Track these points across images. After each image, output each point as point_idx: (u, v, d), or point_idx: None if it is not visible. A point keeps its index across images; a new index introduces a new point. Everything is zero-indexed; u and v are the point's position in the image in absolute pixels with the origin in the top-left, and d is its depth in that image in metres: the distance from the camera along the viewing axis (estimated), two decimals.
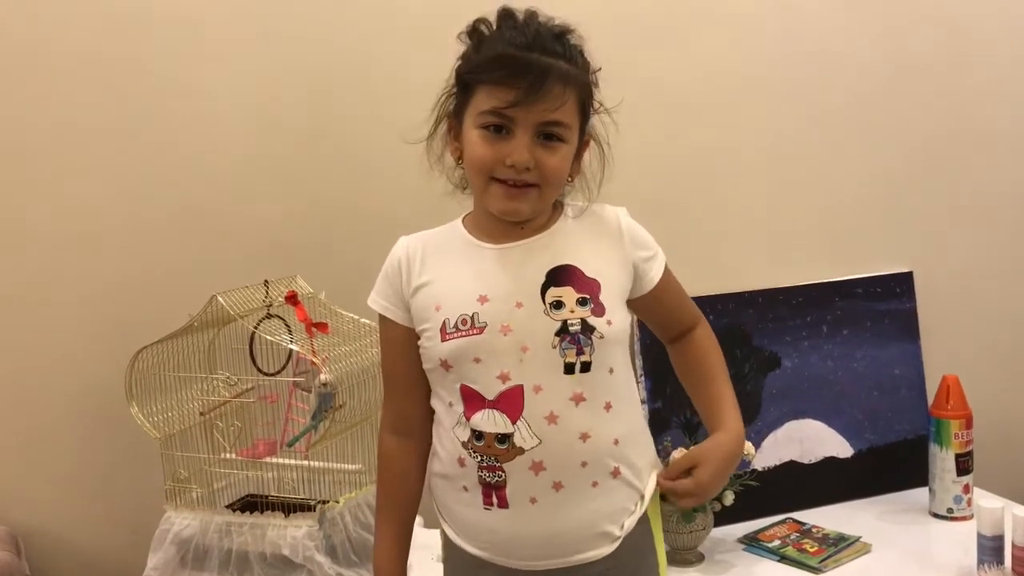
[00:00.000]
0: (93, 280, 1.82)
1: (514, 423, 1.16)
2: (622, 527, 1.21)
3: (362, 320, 1.68)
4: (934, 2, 2.11)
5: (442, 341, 1.19)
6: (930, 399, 2.01)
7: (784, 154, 2.08)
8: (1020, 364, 2.24)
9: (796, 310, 2.03)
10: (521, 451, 1.16)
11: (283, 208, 1.87)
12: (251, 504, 1.67)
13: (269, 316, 1.66)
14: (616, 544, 1.20)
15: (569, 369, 1.16)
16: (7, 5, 1.77)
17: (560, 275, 1.19)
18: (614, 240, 1.24)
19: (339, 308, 1.70)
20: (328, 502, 1.60)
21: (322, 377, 1.52)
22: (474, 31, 1.21)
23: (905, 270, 2.13)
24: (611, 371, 1.19)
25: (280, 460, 1.67)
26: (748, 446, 1.81)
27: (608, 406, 1.19)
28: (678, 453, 1.73)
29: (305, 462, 1.63)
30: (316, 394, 1.53)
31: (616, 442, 1.19)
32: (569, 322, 1.17)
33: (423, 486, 1.30)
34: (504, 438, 1.16)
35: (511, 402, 1.16)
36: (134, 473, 1.79)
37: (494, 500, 1.18)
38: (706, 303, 1.81)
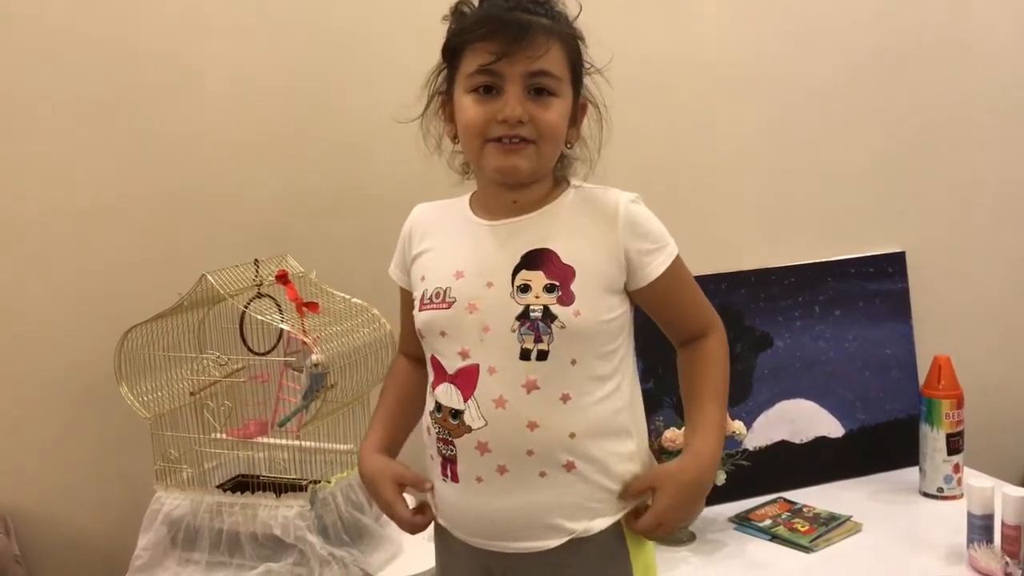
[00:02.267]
0: (82, 259, 1.80)
1: (466, 401, 1.17)
2: (581, 524, 1.17)
3: (353, 300, 1.67)
4: None
5: (419, 311, 1.23)
6: (921, 379, 2.02)
7: (777, 134, 2.08)
8: (1011, 344, 2.25)
9: (788, 290, 2.03)
10: (469, 429, 1.16)
11: (273, 187, 1.86)
12: (242, 484, 1.66)
13: (260, 295, 1.64)
14: (565, 539, 1.17)
15: (525, 355, 1.15)
16: None
17: (534, 259, 1.18)
18: (607, 226, 1.19)
19: (330, 288, 1.69)
20: (320, 482, 1.60)
21: (313, 357, 1.51)
22: (456, 10, 1.22)
23: (897, 250, 2.13)
24: (573, 362, 1.15)
25: (271, 440, 1.66)
26: (739, 425, 1.82)
27: (565, 398, 1.15)
28: (670, 433, 1.74)
29: (296, 442, 1.62)
30: (307, 374, 1.52)
31: (572, 435, 1.15)
32: (531, 308, 1.15)
33: (422, 401, 1.27)
34: (456, 414, 1.17)
35: (466, 379, 1.17)
36: (124, 453, 1.78)
37: (448, 472, 1.20)
38: (699, 283, 1.80)
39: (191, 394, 1.65)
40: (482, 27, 1.15)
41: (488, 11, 1.17)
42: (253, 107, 1.84)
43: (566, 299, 1.15)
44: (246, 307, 1.61)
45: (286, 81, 1.85)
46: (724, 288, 1.97)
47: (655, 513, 1.19)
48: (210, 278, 1.58)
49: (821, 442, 2.06)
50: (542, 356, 1.15)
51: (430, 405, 1.22)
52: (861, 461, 2.07)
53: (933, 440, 1.93)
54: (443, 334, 1.19)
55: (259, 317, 1.60)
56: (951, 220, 2.19)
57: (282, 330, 1.61)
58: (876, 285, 2.11)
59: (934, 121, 2.15)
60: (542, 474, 1.16)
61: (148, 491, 1.63)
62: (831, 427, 2.07)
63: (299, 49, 1.84)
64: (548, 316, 1.14)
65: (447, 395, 1.18)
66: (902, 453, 2.05)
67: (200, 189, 1.83)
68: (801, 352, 2.05)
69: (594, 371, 1.18)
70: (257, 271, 1.66)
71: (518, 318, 1.15)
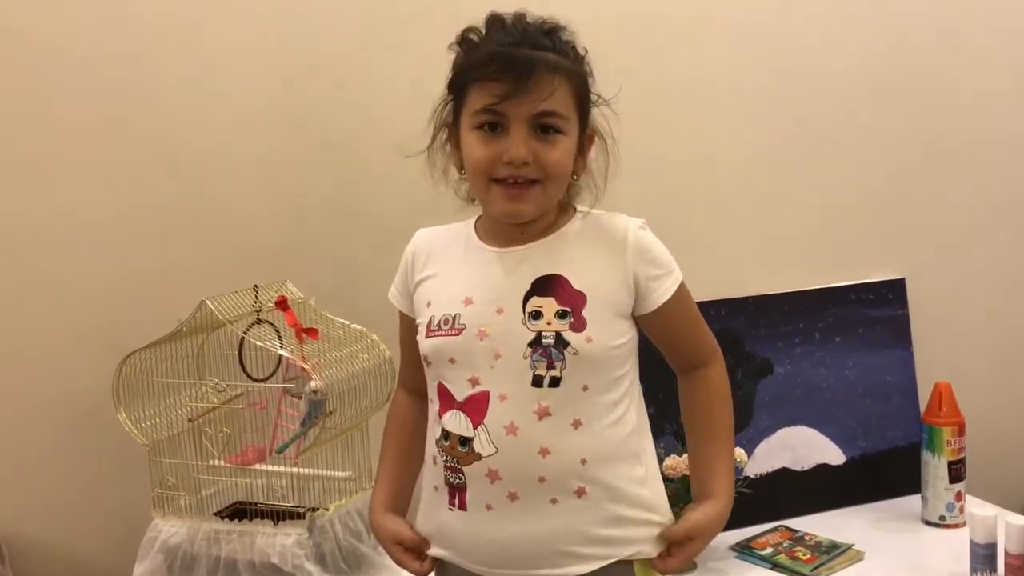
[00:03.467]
0: (82, 284, 1.80)
1: (475, 428, 1.16)
2: (592, 549, 1.17)
3: (352, 326, 1.66)
4: (929, 12, 2.12)
5: (426, 337, 1.22)
6: (922, 406, 2.01)
7: (778, 160, 2.08)
8: (1013, 371, 2.24)
9: (789, 316, 2.03)
10: (479, 457, 1.15)
11: (273, 213, 1.86)
12: (240, 511, 1.65)
13: (259, 321, 1.64)
14: (581, 567, 1.16)
15: (537, 382, 1.14)
16: None
17: (545, 285, 1.17)
18: (616, 252, 1.20)
19: (329, 314, 1.69)
20: (318, 510, 1.59)
21: (312, 383, 1.50)
22: (464, 40, 1.21)
23: (898, 277, 2.13)
24: (584, 388, 1.15)
25: (269, 467, 1.65)
26: (740, 453, 1.81)
27: (577, 423, 1.15)
28: (671, 460, 1.73)
29: (295, 469, 1.61)
30: (306, 400, 1.52)
31: (583, 462, 1.15)
32: (544, 334, 1.15)
33: (424, 440, 1.27)
34: (465, 441, 1.16)
35: (476, 407, 1.16)
36: (121, 480, 1.77)
37: (456, 501, 1.19)
38: (699, 308, 1.80)
39: (189, 420, 1.64)
40: (488, 66, 1.15)
41: (494, 46, 1.16)
42: (254, 132, 1.84)
43: (578, 325, 1.15)
44: (245, 333, 1.61)
45: (288, 106, 1.85)
46: (724, 314, 1.97)
47: (682, 561, 1.22)
48: (209, 304, 1.58)
49: (822, 470, 2.04)
50: (555, 383, 1.14)
51: (436, 434, 1.20)
52: (862, 489, 2.06)
53: (935, 468, 1.92)
54: (452, 361, 1.18)
55: (258, 343, 1.59)
56: (951, 247, 2.19)
57: (281, 356, 1.61)
58: (876, 312, 2.10)
59: (933, 149, 2.16)
60: (553, 501, 1.15)
61: (145, 518, 1.62)
62: (832, 454, 2.06)
63: (301, 73, 1.84)
64: (561, 343, 1.14)
65: (456, 422, 1.17)
66: (904, 481, 2.04)
67: (200, 215, 1.83)
68: (801, 379, 2.04)
69: (605, 396, 1.17)
70: (256, 297, 1.66)
71: (530, 344, 1.15)
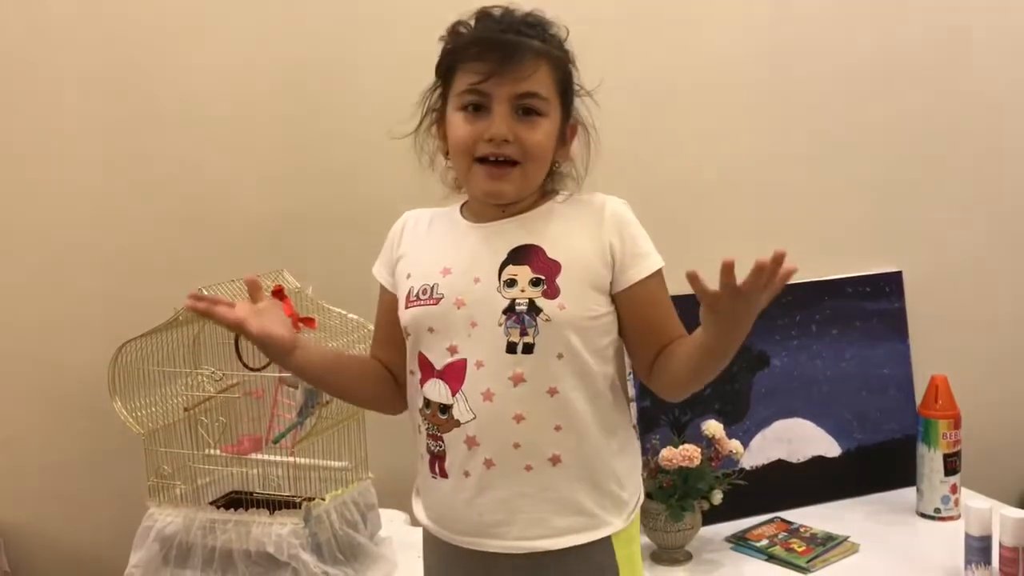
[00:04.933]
0: (77, 274, 1.80)
1: (454, 395, 1.18)
2: (567, 521, 1.18)
3: (349, 315, 1.66)
4: (927, 7, 2.11)
5: (405, 308, 1.23)
6: (918, 399, 2.01)
7: (775, 154, 2.08)
8: (1008, 364, 2.24)
9: (785, 309, 2.03)
10: (458, 423, 1.18)
11: (270, 202, 1.86)
12: (235, 501, 1.65)
13: None
14: (556, 540, 1.18)
15: (511, 348, 1.16)
16: None
17: (520, 254, 1.20)
18: (593, 224, 1.21)
19: (326, 303, 1.69)
20: (314, 499, 1.59)
21: None
22: (453, 31, 1.24)
23: (894, 270, 2.13)
24: (560, 356, 1.16)
25: (265, 456, 1.65)
26: (736, 445, 1.81)
27: (552, 391, 1.17)
28: (667, 452, 1.73)
29: (291, 459, 1.61)
30: (302, 390, 1.52)
31: (557, 428, 1.17)
32: (517, 301, 1.16)
33: (371, 389, 1.31)
34: (445, 408, 1.19)
35: (454, 374, 1.18)
36: (117, 469, 1.77)
37: (437, 469, 1.21)
38: (694, 302, 1.79)
39: (185, 410, 1.64)
40: (473, 47, 1.18)
41: (481, 32, 1.20)
42: (250, 123, 1.84)
43: (551, 292, 1.17)
44: None
45: (282, 97, 1.85)
46: None
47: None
48: (206, 293, 1.57)
49: (818, 462, 2.05)
50: (527, 349, 1.16)
51: (418, 403, 1.23)
52: (858, 481, 2.06)
53: (930, 460, 1.92)
54: (431, 330, 1.20)
55: None
56: (948, 240, 2.19)
57: None
58: (873, 305, 2.10)
59: (931, 142, 2.16)
60: (528, 467, 1.17)
61: (141, 507, 1.62)
62: (828, 447, 2.06)
63: (296, 66, 1.84)
64: (533, 309, 1.16)
65: (435, 390, 1.20)
66: (899, 473, 2.04)
67: (197, 204, 1.83)
68: (798, 371, 2.04)
69: (582, 366, 1.18)
70: None
71: (504, 312, 1.17)
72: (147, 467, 1.63)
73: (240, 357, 1.67)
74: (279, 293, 1.63)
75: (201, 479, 1.66)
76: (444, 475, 1.21)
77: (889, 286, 2.12)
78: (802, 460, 2.04)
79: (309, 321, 1.60)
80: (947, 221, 2.19)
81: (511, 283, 1.18)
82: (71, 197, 1.78)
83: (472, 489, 1.19)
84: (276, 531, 1.53)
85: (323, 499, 1.59)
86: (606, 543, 1.21)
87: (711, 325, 1.11)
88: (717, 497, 1.77)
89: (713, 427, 1.82)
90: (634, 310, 1.23)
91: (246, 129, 1.84)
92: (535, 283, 1.17)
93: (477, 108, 1.19)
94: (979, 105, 2.17)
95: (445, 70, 1.23)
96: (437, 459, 1.21)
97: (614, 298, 1.22)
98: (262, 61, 1.83)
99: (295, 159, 1.86)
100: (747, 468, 1.95)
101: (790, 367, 2.03)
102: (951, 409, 1.92)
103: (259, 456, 1.65)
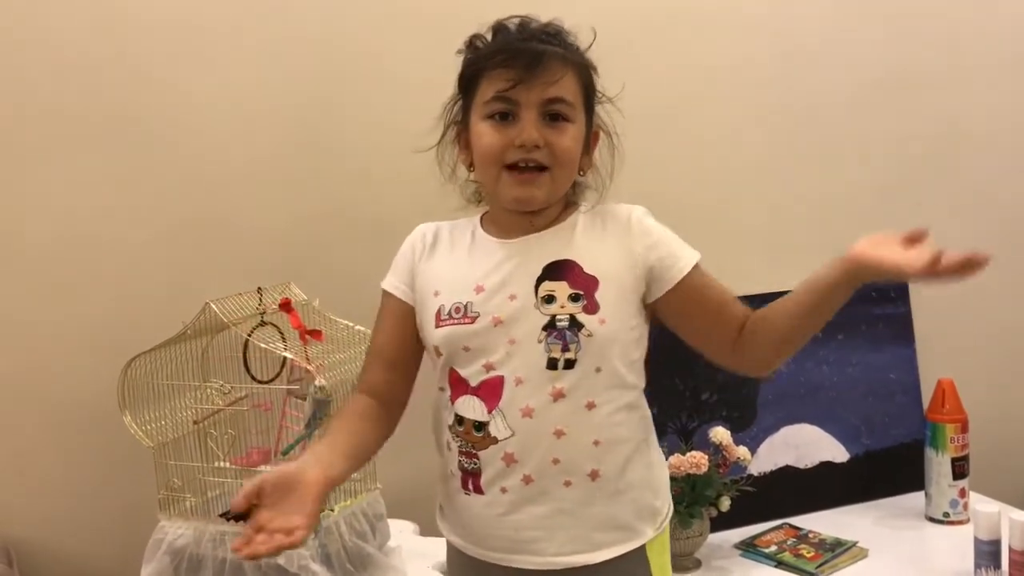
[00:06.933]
0: (85, 288, 1.80)
1: (490, 412, 1.17)
2: (605, 535, 1.18)
3: (356, 327, 1.67)
4: (929, 11, 2.12)
5: (436, 327, 1.22)
6: (925, 403, 2.01)
7: (779, 158, 2.09)
8: (1015, 367, 2.24)
9: None
10: (495, 441, 1.17)
11: (277, 215, 1.86)
12: (245, 513, 1.65)
13: (263, 323, 1.64)
14: (594, 555, 1.18)
15: (552, 364, 1.16)
16: None
17: (556, 269, 1.19)
18: (622, 238, 1.22)
19: (333, 315, 1.69)
20: (323, 510, 1.59)
21: (317, 382, 1.51)
22: (471, 43, 1.24)
23: None
24: (598, 370, 1.17)
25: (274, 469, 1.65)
26: (744, 451, 1.81)
27: (591, 405, 1.17)
28: (675, 459, 1.73)
29: None
30: (311, 401, 1.52)
31: (596, 443, 1.17)
32: (558, 317, 1.16)
33: (376, 441, 1.24)
34: (480, 426, 1.18)
35: (491, 391, 1.17)
36: (127, 482, 1.77)
37: (470, 486, 1.20)
38: None
39: (194, 423, 1.65)
40: (499, 55, 1.18)
41: (503, 42, 1.21)
42: (257, 134, 1.85)
43: (592, 308, 1.17)
44: (249, 335, 1.61)
45: (290, 108, 1.85)
46: None
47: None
48: (213, 306, 1.58)
49: (826, 467, 2.05)
50: (569, 365, 1.16)
51: (448, 420, 1.21)
52: (866, 486, 2.06)
53: (938, 465, 1.92)
54: (467, 349, 1.19)
55: (262, 345, 1.60)
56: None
57: (285, 358, 1.61)
58: (879, 309, 2.11)
59: (935, 145, 2.16)
60: (567, 483, 1.17)
61: (151, 520, 1.63)
62: (836, 452, 2.06)
63: (303, 76, 1.85)
64: (575, 325, 1.16)
65: (469, 407, 1.19)
66: (907, 478, 2.04)
67: (204, 217, 1.84)
68: (805, 377, 2.04)
69: (618, 379, 1.19)
70: (260, 299, 1.66)
71: (544, 328, 1.16)
72: (157, 480, 1.63)
73: (248, 370, 1.68)
74: (286, 305, 1.64)
75: (211, 491, 1.66)
76: (479, 491, 1.19)
77: (894, 291, 2.12)
78: (810, 466, 2.04)
79: (316, 334, 1.61)
80: (951, 225, 2.16)
81: (549, 299, 1.17)
82: (76, 210, 1.79)
83: (508, 505, 1.18)
84: None
85: (332, 510, 1.60)
86: (640, 553, 1.21)
87: (852, 279, 1.16)
88: (725, 504, 1.77)
89: (720, 434, 1.82)
90: (688, 304, 1.22)
91: (254, 141, 1.84)
92: (574, 298, 1.17)
93: (504, 116, 1.18)
94: (984, 109, 2.18)
95: (467, 81, 1.23)
96: (471, 476, 1.20)
97: (654, 305, 1.22)
98: (271, 73, 1.84)
99: (303, 172, 1.87)
100: (755, 474, 1.95)
101: (797, 373, 2.04)
102: (958, 413, 1.92)
103: (268, 468, 1.66)
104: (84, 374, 1.79)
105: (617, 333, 1.18)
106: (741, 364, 1.25)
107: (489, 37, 1.23)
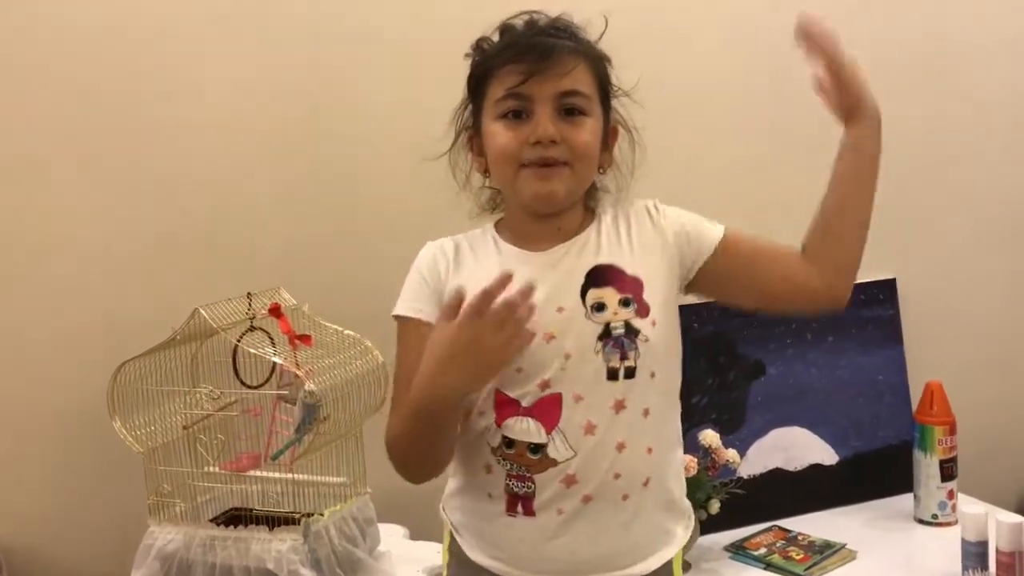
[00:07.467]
0: (75, 293, 1.80)
1: (549, 433, 1.12)
2: (651, 546, 1.16)
3: (346, 332, 1.67)
4: (924, 12, 2.13)
5: None
6: (914, 405, 2.02)
7: (769, 161, 2.09)
8: (1003, 369, 2.25)
9: (781, 317, 2.04)
10: (554, 463, 1.12)
11: (266, 221, 1.86)
12: (235, 518, 1.66)
13: (252, 329, 1.64)
14: (641, 566, 1.15)
15: (612, 375, 1.12)
16: None
17: (600, 275, 1.15)
18: (651, 232, 1.19)
19: (323, 320, 1.69)
20: (313, 515, 1.59)
21: (307, 386, 1.51)
22: (478, 45, 1.22)
23: (888, 277, 2.14)
24: (652, 375, 1.13)
25: (264, 473, 1.65)
26: (733, 454, 1.82)
27: (646, 412, 1.14)
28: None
29: (289, 475, 1.61)
30: (300, 406, 1.52)
31: (649, 450, 1.14)
32: (612, 325, 1.12)
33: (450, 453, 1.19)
34: (537, 448, 1.12)
35: (548, 410, 1.12)
36: (117, 488, 1.77)
37: (519, 509, 1.14)
38: (690, 311, 1.81)
39: (184, 428, 1.65)
40: (508, 51, 1.15)
41: (511, 39, 1.17)
42: (247, 140, 1.85)
43: (643, 311, 1.14)
44: (239, 340, 1.61)
45: (280, 114, 1.85)
46: (716, 315, 1.97)
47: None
48: (203, 312, 1.58)
49: (815, 470, 2.05)
50: (629, 373, 1.12)
51: (494, 442, 1.15)
52: (855, 488, 2.07)
53: (927, 466, 1.93)
54: (519, 370, 1.13)
55: (252, 350, 1.60)
56: (941, 246, 2.20)
57: (275, 363, 1.61)
58: (868, 312, 2.11)
59: (924, 149, 2.16)
60: (625, 496, 1.13)
61: (141, 526, 1.63)
62: (825, 454, 2.07)
63: (294, 82, 1.85)
64: (631, 331, 1.12)
65: (523, 429, 1.13)
66: (896, 480, 2.05)
67: (193, 224, 1.84)
68: (794, 380, 2.05)
69: (669, 381, 1.18)
70: (250, 304, 1.66)
71: (599, 338, 1.12)
72: (147, 486, 1.63)
73: (238, 375, 1.68)
74: (276, 311, 1.64)
75: (201, 497, 1.66)
76: (530, 514, 1.14)
77: (883, 293, 2.13)
78: (799, 468, 2.04)
79: (305, 338, 1.61)
80: (940, 228, 2.20)
81: (599, 307, 1.13)
82: (66, 214, 1.79)
83: (562, 526, 1.13)
84: (276, 547, 1.54)
85: (322, 515, 1.60)
86: (667, 565, 1.20)
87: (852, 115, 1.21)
88: (715, 507, 1.78)
89: (710, 437, 1.83)
90: (737, 259, 1.20)
91: (244, 146, 1.84)
92: (625, 303, 1.13)
93: (518, 114, 1.15)
94: (973, 113, 2.19)
95: (476, 82, 1.20)
96: (522, 500, 1.14)
97: (698, 281, 1.20)
98: (262, 78, 1.84)
99: (292, 177, 1.87)
100: (744, 477, 1.95)
101: (786, 376, 2.04)
102: (946, 415, 1.93)
103: (258, 473, 1.66)
104: (74, 379, 1.78)
105: (668, 333, 1.16)
106: (824, 276, 1.22)
107: (496, 39, 1.20)
